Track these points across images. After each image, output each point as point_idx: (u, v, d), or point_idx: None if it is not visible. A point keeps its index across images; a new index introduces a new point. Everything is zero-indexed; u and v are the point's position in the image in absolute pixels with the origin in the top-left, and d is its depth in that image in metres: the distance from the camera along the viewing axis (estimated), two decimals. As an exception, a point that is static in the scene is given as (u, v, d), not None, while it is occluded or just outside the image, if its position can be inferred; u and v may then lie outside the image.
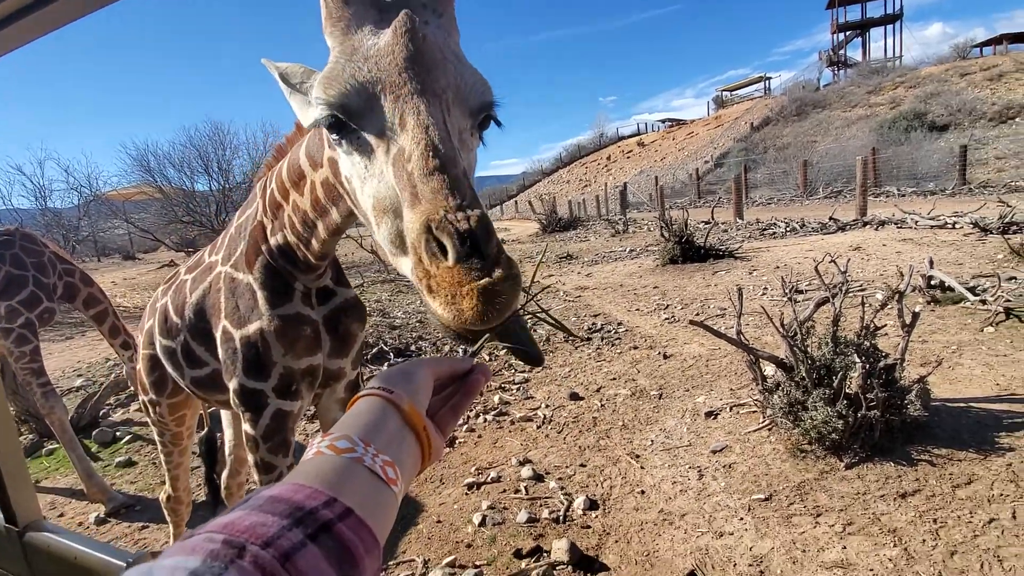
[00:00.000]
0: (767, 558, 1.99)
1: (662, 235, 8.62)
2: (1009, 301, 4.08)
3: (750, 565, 1.97)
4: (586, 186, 43.45)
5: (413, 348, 5.08)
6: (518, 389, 4.06)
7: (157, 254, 23.73)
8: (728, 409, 3.23)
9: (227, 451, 2.22)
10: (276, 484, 0.39)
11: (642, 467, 2.76)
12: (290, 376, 1.31)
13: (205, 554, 0.30)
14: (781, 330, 2.76)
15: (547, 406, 3.69)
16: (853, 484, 2.34)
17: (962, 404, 2.89)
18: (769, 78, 45.35)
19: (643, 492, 2.55)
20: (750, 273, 6.86)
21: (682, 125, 48.52)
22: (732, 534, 2.16)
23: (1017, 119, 22.80)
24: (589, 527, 2.33)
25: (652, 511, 2.39)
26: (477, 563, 2.16)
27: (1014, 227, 6.44)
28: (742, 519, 2.23)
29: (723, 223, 11.90)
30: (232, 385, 1.32)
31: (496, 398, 3.86)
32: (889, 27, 40.04)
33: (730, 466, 2.65)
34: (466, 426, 3.46)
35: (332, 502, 0.37)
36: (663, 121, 53.60)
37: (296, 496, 0.36)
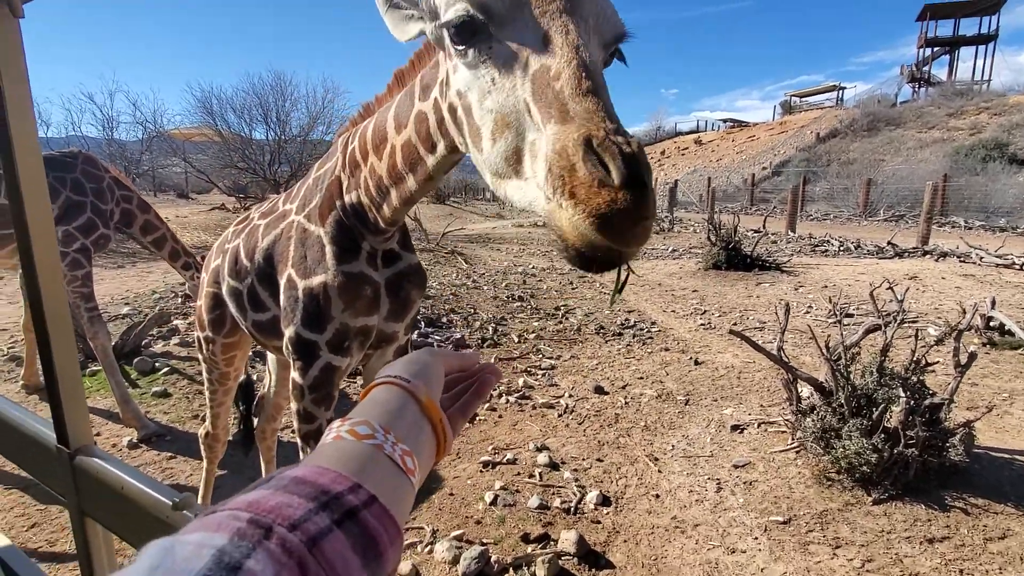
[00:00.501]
0: (778, 582, 1.95)
1: (708, 238, 8.41)
2: (1075, 354, 3.83)
3: (759, 586, 1.93)
4: (635, 179, 42.59)
5: (444, 320, 5.13)
6: (543, 375, 4.06)
7: (210, 196, 24.56)
8: (756, 425, 3.15)
9: (268, 395, 2.29)
10: (298, 465, 0.38)
11: (660, 471, 2.73)
12: (345, 332, 1.33)
13: (232, 532, 0.29)
14: (825, 352, 2.66)
15: (571, 396, 3.67)
16: (879, 521, 2.25)
17: (1007, 455, 2.75)
18: (843, 88, 43.23)
19: (658, 496, 2.52)
20: (796, 289, 6.64)
21: (744, 127, 46.95)
22: (745, 552, 2.12)
23: (1111, 161, 21.19)
24: (599, 522, 2.32)
25: (665, 516, 2.36)
26: (484, 540, 2.18)
27: (1091, 276, 6.02)
28: (757, 539, 2.19)
29: (773, 234, 11.53)
30: (289, 332, 1.35)
31: (521, 381, 3.87)
32: (981, 48, 37.41)
33: (751, 483, 2.59)
34: (488, 404, 3.48)
35: (357, 488, 0.36)
36: (724, 121, 51.95)
37: (321, 479, 0.35)
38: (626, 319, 5.54)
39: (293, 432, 1.59)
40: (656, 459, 2.84)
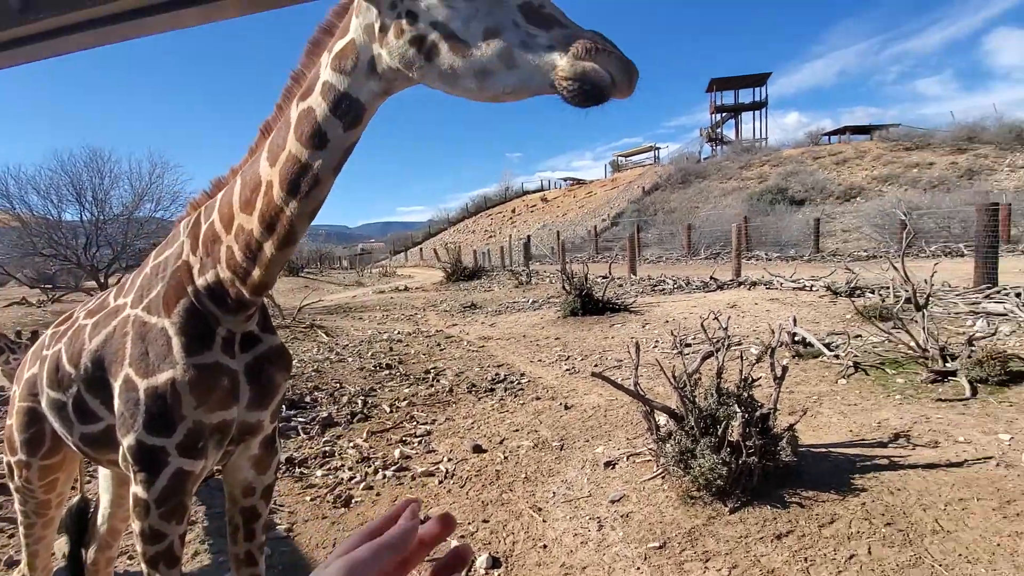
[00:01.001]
0: (662, 606, 2.06)
1: (563, 288, 8.98)
2: (857, 356, 4.67)
3: (647, 614, 2.03)
4: (491, 237, 44.39)
5: (308, 399, 4.80)
6: (420, 442, 3.95)
7: (6, 289, 20.65)
8: (626, 458, 3.36)
9: (99, 520, 1.94)
10: None
11: (544, 520, 2.77)
12: (199, 432, 1.19)
13: None
14: (673, 382, 2.96)
15: (449, 459, 3.62)
16: (737, 528, 2.50)
17: (823, 449, 3.23)
18: (658, 148, 49.83)
19: (545, 546, 2.55)
20: (643, 327, 7.30)
21: (582, 184, 51.60)
22: (630, 584, 2.21)
23: (858, 198, 26.74)
24: (492, 586, 2.28)
25: (554, 566, 2.39)
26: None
27: (858, 291, 7.44)
28: (639, 568, 2.30)
29: (619, 278, 12.62)
30: (128, 441, 1.18)
31: (397, 452, 3.73)
32: (757, 112, 46.00)
33: (627, 515, 2.73)
34: (363, 483, 3.29)
35: None
36: (565, 179, 56.69)
37: None
38: (496, 374, 5.64)
39: (135, 557, 1.37)
40: (539, 509, 2.88)
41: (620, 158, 53.92)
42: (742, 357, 3.24)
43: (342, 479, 3.38)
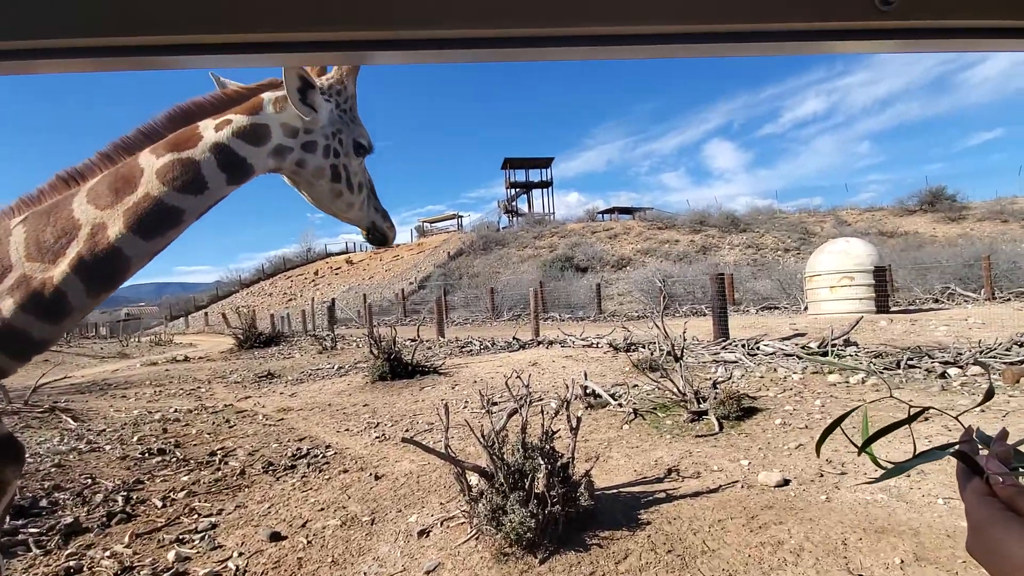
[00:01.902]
0: (481, 672, 2.04)
1: (371, 352, 8.72)
2: (636, 404, 5.36)
3: None
4: (291, 300, 41.37)
5: (45, 503, 3.80)
6: (202, 538, 3.38)
7: None
8: (439, 524, 3.31)
9: None
10: None
11: (355, 605, 2.57)
12: None
13: None
14: (482, 440, 3.06)
15: (240, 554, 3.16)
16: (546, 577, 2.62)
17: (614, 490, 3.59)
18: (461, 216, 52.63)
19: (357, 634, 2.35)
20: (453, 388, 7.41)
21: (388, 248, 51.47)
22: (448, 657, 2.15)
23: (628, 267, 31.34)
24: None
25: (367, 654, 2.21)
26: None
27: (633, 347, 8.62)
28: (456, 637, 2.25)
29: (428, 341, 12.71)
30: None
31: (171, 555, 3.13)
32: (545, 190, 51.88)
33: (443, 584, 2.67)
34: (125, 601, 2.68)
35: None
36: (370, 242, 55.93)
37: None
38: (298, 448, 5.16)
39: None
40: (349, 594, 2.67)
41: (425, 223, 55.48)
42: (543, 412, 3.50)
43: (92, 601, 2.71)
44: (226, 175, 1.25)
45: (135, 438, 5.75)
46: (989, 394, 0.78)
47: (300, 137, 1.36)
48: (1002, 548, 0.54)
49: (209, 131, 1.24)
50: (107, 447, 5.38)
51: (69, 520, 3.57)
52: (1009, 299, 14.17)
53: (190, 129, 1.24)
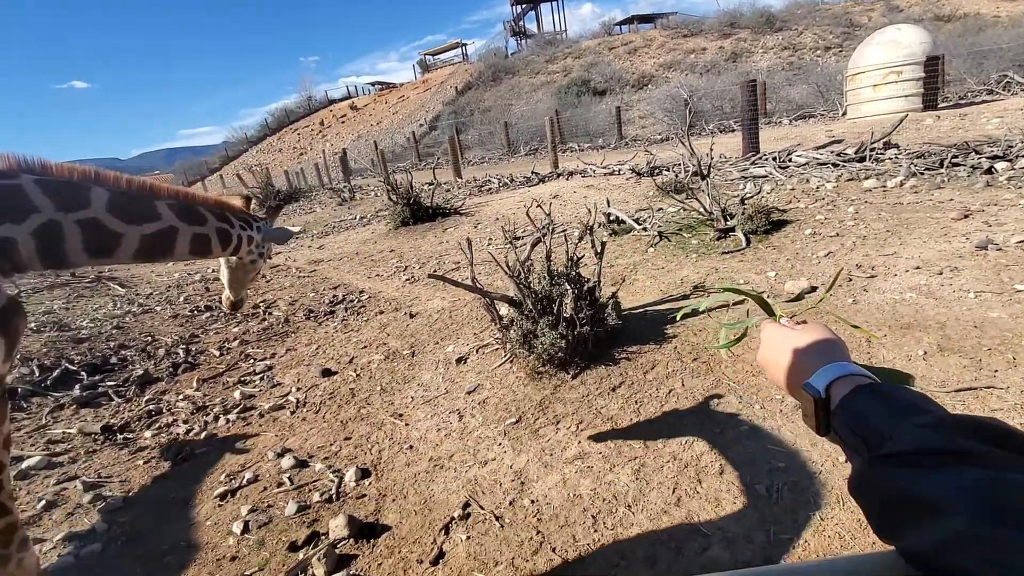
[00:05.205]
0: (525, 469, 2.27)
1: (390, 199, 8.66)
2: (660, 227, 5.29)
3: (512, 480, 2.23)
4: (302, 154, 40.54)
5: (115, 360, 4.14)
6: (261, 379, 3.69)
7: None
8: (475, 352, 3.51)
9: None
10: None
11: (406, 424, 2.83)
12: None
13: None
14: (508, 271, 3.08)
15: (298, 389, 3.45)
16: (579, 390, 2.80)
17: (640, 309, 3.69)
18: (465, 44, 48.33)
19: (411, 447, 2.62)
20: (475, 227, 7.42)
21: (392, 88, 48.62)
22: (495, 459, 2.39)
23: (649, 85, 29.13)
24: (364, 496, 2.30)
25: (423, 462, 2.48)
26: (247, 574, 1.95)
27: (657, 171, 8.30)
28: (500, 444, 2.49)
29: (445, 183, 12.51)
30: None
31: (237, 394, 3.45)
32: (555, 4, 46.45)
33: (484, 402, 2.90)
34: (205, 432, 3.01)
35: None
36: (373, 84, 52.80)
37: None
38: (334, 296, 5.38)
39: None
40: (400, 415, 2.93)
41: (428, 56, 51.40)
42: (567, 240, 3.47)
43: (177, 434, 3.06)
44: (221, 244, 1.83)
45: (181, 298, 6.07)
46: None
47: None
48: (767, 335, 0.84)
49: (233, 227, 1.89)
50: (158, 308, 5.71)
51: (140, 372, 3.91)
52: (1073, 82, 12.84)
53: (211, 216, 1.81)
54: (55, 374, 3.79)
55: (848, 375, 0.66)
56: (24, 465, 2.76)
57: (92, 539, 2.23)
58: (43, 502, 2.48)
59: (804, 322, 0.84)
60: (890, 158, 6.12)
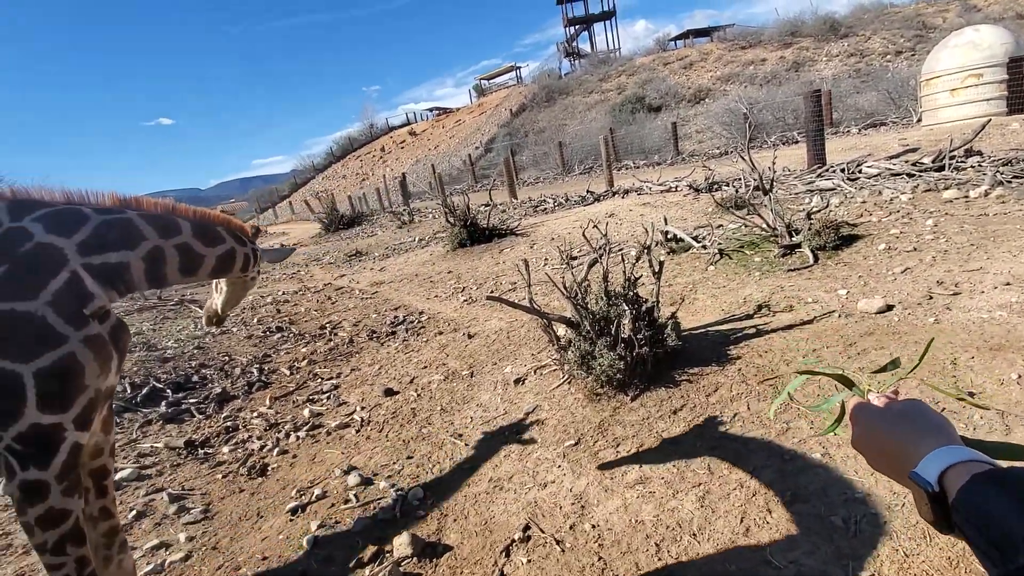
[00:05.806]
0: (585, 493, 2.26)
1: (447, 221, 8.87)
2: (721, 244, 5.16)
3: (572, 504, 2.21)
4: (364, 179, 42.29)
5: (196, 378, 4.44)
6: (328, 397, 3.85)
7: None
8: (533, 372, 3.52)
9: None
10: None
11: (466, 444, 2.87)
12: (95, 401, 1.31)
13: None
14: (565, 292, 3.10)
15: (363, 408, 3.58)
16: (639, 412, 2.76)
17: (701, 330, 3.60)
18: (519, 67, 49.27)
19: (472, 467, 2.65)
20: (531, 247, 7.49)
21: (449, 113, 50.04)
22: (554, 482, 2.39)
23: (706, 99, 28.59)
24: (426, 515, 2.35)
25: (483, 482, 2.50)
26: (315, 588, 2.02)
27: (716, 186, 8.12)
28: (560, 466, 2.48)
29: (501, 204, 12.70)
30: (18, 430, 1.21)
31: (306, 412, 3.61)
32: (609, 23, 46.67)
33: (542, 422, 2.90)
34: (277, 449, 3.17)
35: None
36: (431, 110, 54.54)
37: None
38: (395, 316, 5.56)
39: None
40: (460, 435, 2.97)
41: (483, 81, 52.67)
42: (623, 260, 3.45)
43: (252, 450, 3.23)
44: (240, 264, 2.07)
45: (255, 320, 6.43)
46: None
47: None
48: (857, 416, 0.76)
49: (243, 246, 2.07)
50: (234, 329, 6.08)
51: (218, 390, 4.17)
52: None
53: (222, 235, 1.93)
54: (144, 391, 4.10)
55: (962, 462, 0.58)
56: (118, 476, 3.00)
57: (177, 549, 2.39)
58: (134, 512, 2.68)
59: (896, 393, 0.76)
60: (972, 166, 5.73)
